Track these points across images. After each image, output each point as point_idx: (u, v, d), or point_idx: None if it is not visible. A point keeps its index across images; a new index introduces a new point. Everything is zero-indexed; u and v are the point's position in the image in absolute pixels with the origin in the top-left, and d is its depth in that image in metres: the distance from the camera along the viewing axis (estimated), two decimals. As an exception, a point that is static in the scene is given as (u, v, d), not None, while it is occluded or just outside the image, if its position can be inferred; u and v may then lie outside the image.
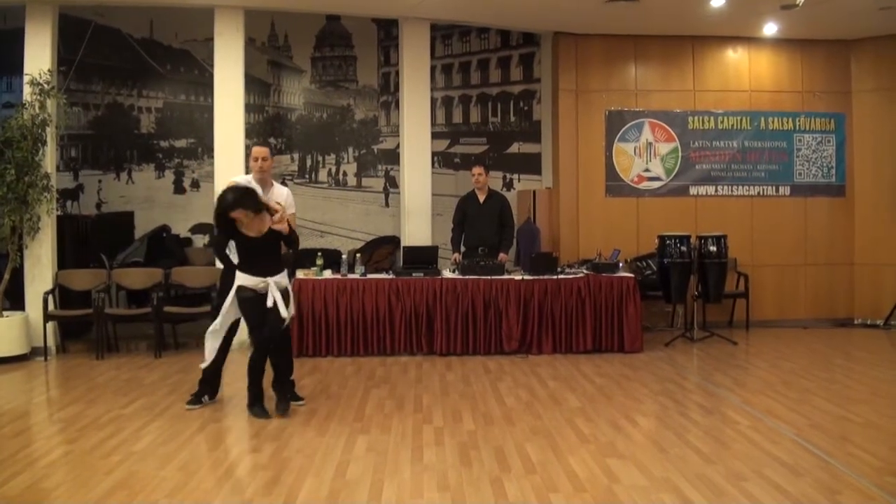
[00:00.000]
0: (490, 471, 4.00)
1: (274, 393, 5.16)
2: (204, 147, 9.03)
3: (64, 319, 7.43)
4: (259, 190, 5.13)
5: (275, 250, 5.07)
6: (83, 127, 9.04)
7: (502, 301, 7.21)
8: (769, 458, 4.18)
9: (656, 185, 8.98)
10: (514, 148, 9.66)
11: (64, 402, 5.59)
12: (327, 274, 7.24)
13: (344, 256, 7.51)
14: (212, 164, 8.17)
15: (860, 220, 9.11)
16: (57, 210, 7.65)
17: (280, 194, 5.41)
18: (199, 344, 7.62)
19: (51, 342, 7.29)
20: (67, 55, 8.50)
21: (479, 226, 7.68)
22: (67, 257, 7.78)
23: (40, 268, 7.36)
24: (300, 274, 7.18)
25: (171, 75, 9.22)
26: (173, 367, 6.72)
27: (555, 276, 7.31)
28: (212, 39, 7.81)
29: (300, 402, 5.36)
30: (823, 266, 9.12)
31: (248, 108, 8.45)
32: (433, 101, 8.95)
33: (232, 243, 5.09)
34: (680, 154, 8.99)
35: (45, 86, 7.24)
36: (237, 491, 3.75)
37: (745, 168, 9.05)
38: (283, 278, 5.13)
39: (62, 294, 7.51)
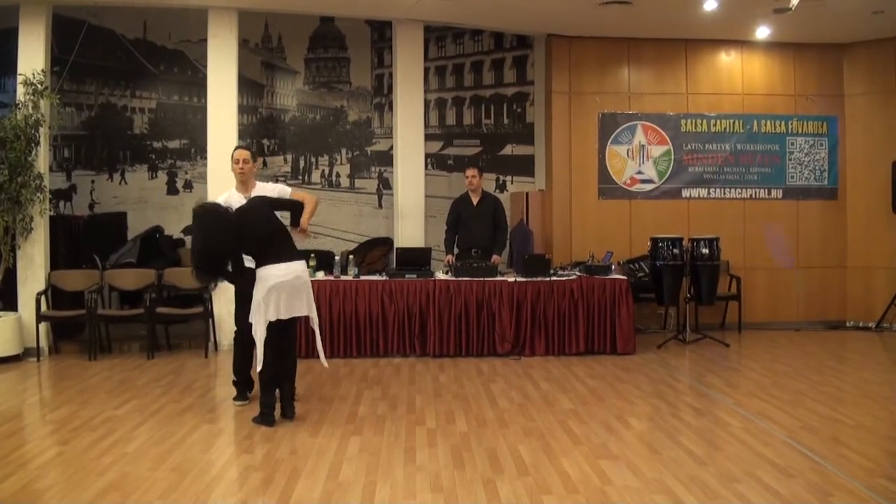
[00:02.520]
0: (483, 472, 4.01)
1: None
2: (197, 148, 9.00)
3: (57, 320, 7.41)
4: (236, 202, 5.08)
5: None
6: (76, 127, 9.00)
7: (495, 303, 7.22)
8: (761, 459, 4.20)
9: (649, 187, 9.01)
10: (508, 150, 9.66)
11: (56, 402, 5.58)
12: (320, 275, 7.23)
13: (337, 258, 7.50)
14: (205, 165, 8.16)
15: (852, 222, 9.14)
16: (50, 210, 7.63)
17: (264, 190, 5.32)
18: (192, 345, 7.69)
19: (43, 343, 7.26)
20: (61, 55, 8.45)
21: (473, 227, 7.70)
22: (60, 258, 7.76)
23: (33, 268, 7.35)
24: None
25: (165, 76, 9.19)
26: (166, 369, 6.71)
27: (548, 278, 7.33)
28: (205, 40, 7.80)
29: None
30: (816, 269, 9.15)
31: (242, 109, 8.43)
32: (426, 103, 8.95)
33: None
34: (673, 157, 9.02)
35: (39, 86, 7.23)
36: (230, 492, 3.75)
37: (737, 171, 9.09)
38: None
39: (55, 295, 7.49)
